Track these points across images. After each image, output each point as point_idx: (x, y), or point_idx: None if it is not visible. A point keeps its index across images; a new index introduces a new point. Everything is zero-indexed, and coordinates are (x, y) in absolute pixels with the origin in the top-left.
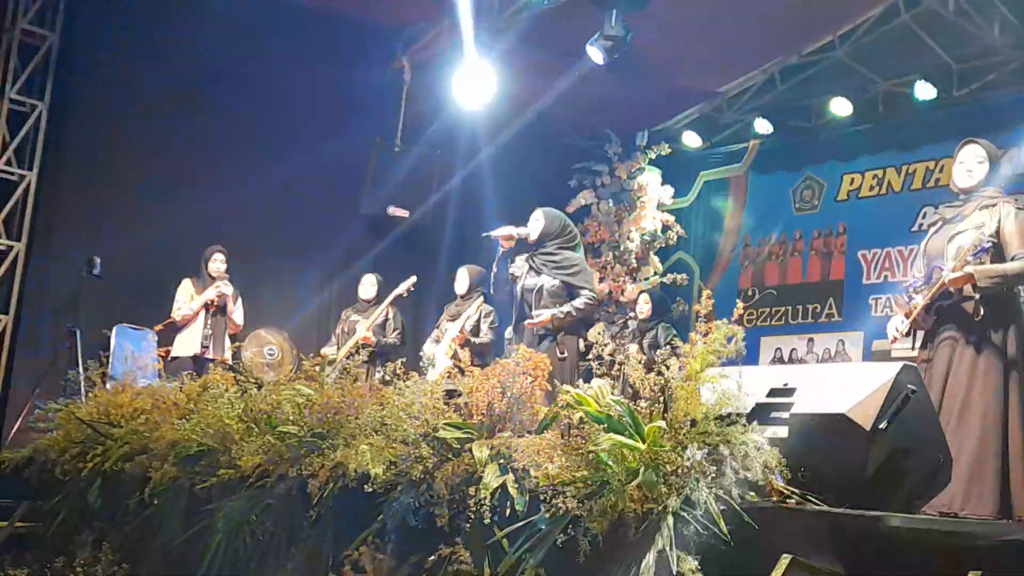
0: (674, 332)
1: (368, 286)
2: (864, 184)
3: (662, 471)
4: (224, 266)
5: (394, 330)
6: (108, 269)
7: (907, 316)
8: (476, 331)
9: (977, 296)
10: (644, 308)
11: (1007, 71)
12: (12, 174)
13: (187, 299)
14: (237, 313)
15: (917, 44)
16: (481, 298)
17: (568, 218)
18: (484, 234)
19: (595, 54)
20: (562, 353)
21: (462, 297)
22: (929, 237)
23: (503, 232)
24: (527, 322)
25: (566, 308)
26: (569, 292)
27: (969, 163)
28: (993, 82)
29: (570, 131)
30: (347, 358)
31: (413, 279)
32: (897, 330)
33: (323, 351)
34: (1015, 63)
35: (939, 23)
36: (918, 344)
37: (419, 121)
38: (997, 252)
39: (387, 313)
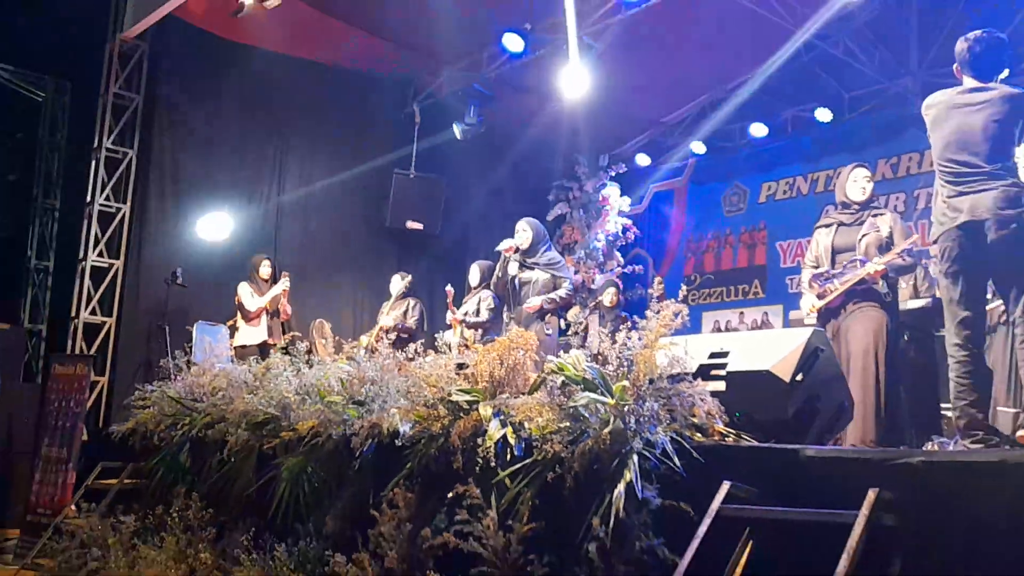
0: (630, 324)
1: (396, 283)
2: (779, 190)
3: (628, 420)
4: (271, 269)
5: (412, 317)
6: (188, 278)
7: (820, 296)
8: (477, 312)
9: (885, 282)
10: (611, 299)
11: (887, 96)
12: (111, 207)
13: (249, 296)
14: (288, 305)
15: (816, 78)
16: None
17: (542, 223)
18: (496, 248)
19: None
20: (549, 331)
21: (474, 288)
22: (833, 236)
23: (507, 245)
24: (526, 306)
25: (552, 295)
26: (554, 283)
27: (861, 182)
28: (876, 106)
29: (547, 155)
30: (376, 342)
31: (409, 278)
32: (813, 306)
33: (361, 338)
34: (892, 90)
35: (832, 61)
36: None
37: (428, 152)
38: (885, 248)
39: (407, 304)
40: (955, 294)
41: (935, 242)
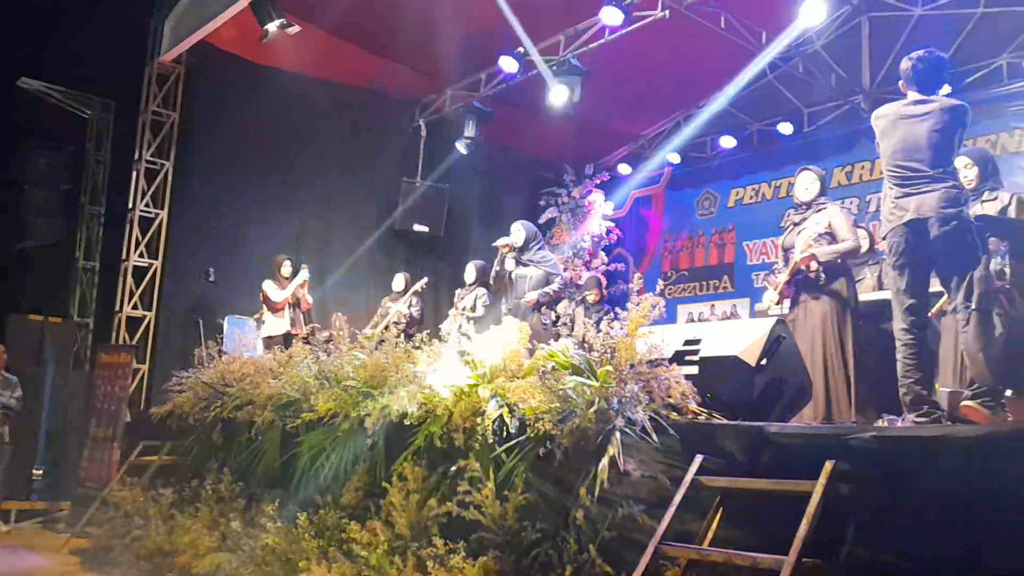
0: (612, 315)
1: (399, 280)
2: (746, 195)
3: (611, 401)
4: (291, 268)
5: (415, 308)
6: (219, 276)
7: (775, 289)
8: (474, 308)
9: (820, 268)
10: (596, 294)
11: (841, 112)
12: (150, 212)
13: (274, 290)
14: (308, 296)
15: (778, 95)
16: (482, 287)
17: (535, 225)
18: (493, 244)
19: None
20: (545, 321)
21: (470, 285)
22: (785, 235)
23: (503, 242)
24: (524, 300)
25: (546, 290)
26: (547, 279)
27: (805, 183)
28: (832, 120)
29: (539, 165)
30: (384, 331)
31: (425, 279)
32: (771, 300)
33: (365, 331)
34: (847, 106)
35: (793, 80)
36: (785, 308)
37: (433, 163)
38: (833, 239)
39: (411, 300)
40: (902, 284)
41: (884, 238)
